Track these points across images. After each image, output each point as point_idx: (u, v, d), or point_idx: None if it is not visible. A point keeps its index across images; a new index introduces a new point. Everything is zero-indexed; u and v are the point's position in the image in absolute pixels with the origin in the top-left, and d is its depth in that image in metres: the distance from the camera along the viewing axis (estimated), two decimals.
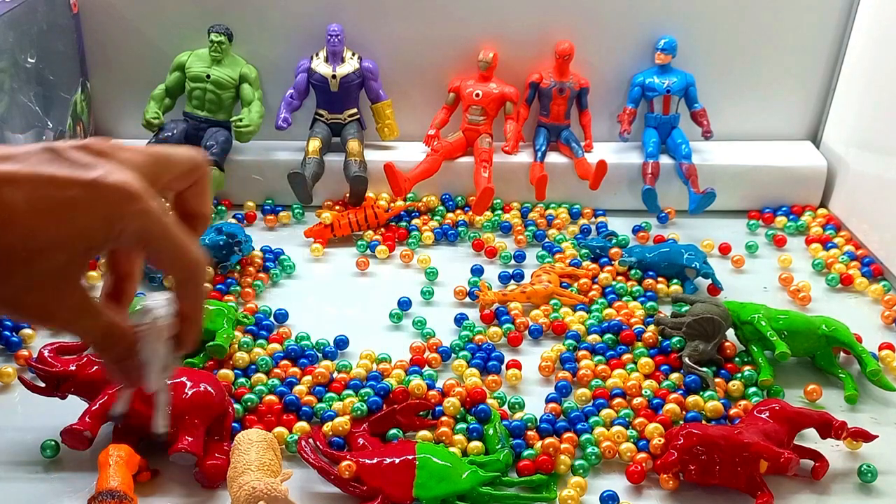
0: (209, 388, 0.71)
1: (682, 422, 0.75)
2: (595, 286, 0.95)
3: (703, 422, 0.75)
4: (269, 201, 1.10)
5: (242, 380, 0.79)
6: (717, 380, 0.80)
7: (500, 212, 1.09)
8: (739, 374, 0.81)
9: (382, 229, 1.05)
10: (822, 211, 1.09)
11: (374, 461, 0.68)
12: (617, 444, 0.73)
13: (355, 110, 1.10)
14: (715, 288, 0.94)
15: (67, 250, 0.39)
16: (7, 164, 0.38)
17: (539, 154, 1.09)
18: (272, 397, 0.77)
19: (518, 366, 0.83)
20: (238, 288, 0.93)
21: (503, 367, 0.83)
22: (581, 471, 0.71)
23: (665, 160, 1.08)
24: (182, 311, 0.43)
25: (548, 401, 0.79)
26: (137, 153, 0.41)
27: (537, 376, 0.83)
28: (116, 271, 0.45)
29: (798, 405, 0.76)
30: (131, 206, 0.39)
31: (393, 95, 1.10)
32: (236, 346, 0.83)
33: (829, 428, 0.73)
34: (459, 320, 0.90)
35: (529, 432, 0.74)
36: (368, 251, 1.02)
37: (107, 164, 0.40)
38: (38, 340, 0.86)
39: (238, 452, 0.66)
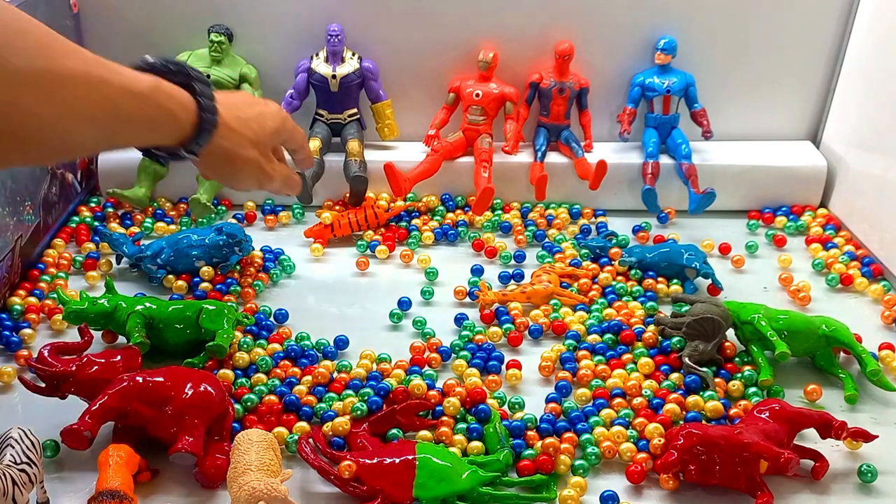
0: (209, 388, 0.71)
1: (682, 422, 0.75)
2: (595, 286, 0.95)
3: (703, 422, 0.75)
4: (269, 201, 1.10)
5: (242, 380, 0.79)
6: (717, 380, 0.80)
7: (500, 212, 1.09)
8: (739, 374, 0.81)
9: (382, 229, 1.05)
10: (822, 211, 1.09)
11: (374, 461, 0.68)
12: (617, 444, 0.73)
13: (355, 110, 1.10)
14: (715, 288, 0.94)
15: (266, 140, 0.75)
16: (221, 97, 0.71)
17: (539, 154, 1.09)
18: (272, 397, 0.77)
19: (518, 366, 0.83)
20: (238, 288, 0.93)
21: (503, 367, 0.83)
22: (581, 471, 0.71)
23: (665, 160, 1.08)
24: (301, 156, 0.83)
25: (548, 401, 0.79)
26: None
27: (537, 376, 0.83)
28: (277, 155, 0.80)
29: (798, 405, 0.76)
30: (285, 119, 0.78)
31: (393, 95, 1.10)
32: (236, 346, 0.83)
33: (829, 428, 0.73)
34: (459, 320, 0.90)
35: (529, 432, 0.74)
36: (368, 251, 1.02)
37: (269, 101, 0.78)
38: (38, 340, 0.86)
39: (238, 452, 0.66)
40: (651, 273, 0.96)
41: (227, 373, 0.79)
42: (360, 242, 1.02)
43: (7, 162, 0.62)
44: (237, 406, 0.76)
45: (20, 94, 0.54)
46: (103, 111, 0.60)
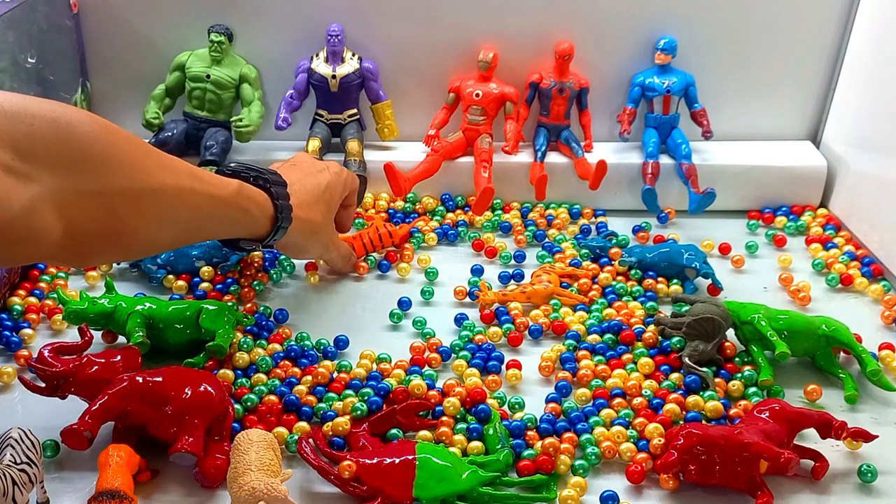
0: (209, 388, 0.71)
1: (682, 422, 0.75)
2: (595, 286, 0.95)
3: (703, 422, 0.75)
4: None
5: (242, 380, 0.79)
6: (717, 380, 0.80)
7: (500, 212, 1.09)
8: (739, 374, 0.81)
9: (395, 247, 1.01)
10: (822, 211, 1.09)
11: (374, 461, 0.68)
12: (617, 444, 0.73)
13: (355, 110, 1.10)
14: (715, 288, 0.94)
15: (333, 212, 0.88)
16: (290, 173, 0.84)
17: (539, 154, 1.09)
18: (272, 397, 0.77)
19: (518, 366, 0.83)
20: (238, 288, 0.93)
21: (503, 367, 0.83)
22: (581, 471, 0.71)
23: (665, 160, 1.08)
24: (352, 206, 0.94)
25: (548, 401, 0.79)
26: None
27: (537, 376, 0.83)
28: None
29: (798, 405, 0.76)
30: (346, 176, 0.88)
31: (393, 95, 1.10)
32: (236, 346, 0.83)
33: (829, 428, 0.73)
34: (459, 320, 0.90)
35: (529, 432, 0.74)
36: None
37: (329, 163, 0.90)
38: (38, 340, 0.86)
39: (238, 453, 0.66)
40: (651, 273, 0.96)
41: (227, 373, 0.79)
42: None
43: (98, 258, 0.72)
44: (237, 406, 0.76)
45: (120, 206, 0.62)
46: (189, 216, 0.69)
